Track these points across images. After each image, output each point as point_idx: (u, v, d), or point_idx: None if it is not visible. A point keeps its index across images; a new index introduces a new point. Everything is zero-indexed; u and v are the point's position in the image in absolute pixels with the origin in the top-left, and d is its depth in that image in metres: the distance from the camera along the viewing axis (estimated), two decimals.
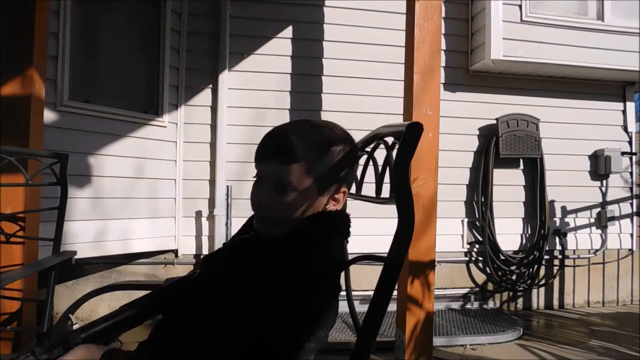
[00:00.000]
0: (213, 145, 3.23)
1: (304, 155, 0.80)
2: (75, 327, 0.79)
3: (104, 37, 2.97)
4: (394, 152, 0.76)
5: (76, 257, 2.12)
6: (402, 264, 0.74)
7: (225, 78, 3.22)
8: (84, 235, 2.71)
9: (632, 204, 3.94)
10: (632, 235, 3.93)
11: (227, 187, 3.20)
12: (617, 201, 3.92)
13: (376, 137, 0.93)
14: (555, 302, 3.82)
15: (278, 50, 3.34)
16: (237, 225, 3.13)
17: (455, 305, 3.56)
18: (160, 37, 3.11)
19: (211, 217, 3.23)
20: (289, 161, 0.80)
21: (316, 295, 0.76)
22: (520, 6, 3.42)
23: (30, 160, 2.14)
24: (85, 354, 0.72)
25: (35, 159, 2.12)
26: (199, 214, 3.25)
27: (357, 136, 1.07)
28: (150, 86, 3.12)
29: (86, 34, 2.83)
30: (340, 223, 0.89)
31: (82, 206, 2.70)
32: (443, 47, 3.40)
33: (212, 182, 3.23)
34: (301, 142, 0.81)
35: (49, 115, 2.51)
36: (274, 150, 0.82)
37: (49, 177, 2.06)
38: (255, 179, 0.86)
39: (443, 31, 3.20)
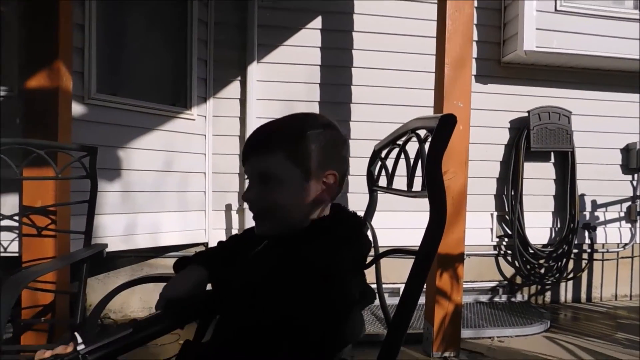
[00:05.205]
0: (242, 138, 3.25)
1: (279, 144, 0.82)
2: (80, 347, 0.71)
3: (131, 29, 2.93)
4: (426, 145, 0.76)
5: (107, 250, 2.07)
6: (433, 257, 0.73)
7: (254, 70, 3.22)
8: (115, 229, 2.70)
9: None
10: None
11: None
12: None
13: (408, 130, 0.94)
14: (583, 296, 3.77)
15: (307, 42, 3.32)
16: None
17: (484, 298, 3.54)
18: (188, 29, 3.09)
19: (241, 211, 3.26)
20: (266, 152, 0.82)
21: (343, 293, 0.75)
22: None
23: (60, 154, 2.10)
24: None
25: (65, 152, 2.07)
26: (228, 208, 3.28)
27: (388, 129, 1.09)
28: (178, 79, 3.11)
29: (112, 25, 2.79)
30: (353, 229, 0.88)
31: (112, 199, 2.70)
32: (475, 37, 3.29)
33: (242, 175, 3.26)
34: (275, 133, 0.84)
35: (76, 109, 2.49)
36: (251, 148, 0.85)
37: (78, 171, 2.00)
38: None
39: (475, 21, 3.12)
